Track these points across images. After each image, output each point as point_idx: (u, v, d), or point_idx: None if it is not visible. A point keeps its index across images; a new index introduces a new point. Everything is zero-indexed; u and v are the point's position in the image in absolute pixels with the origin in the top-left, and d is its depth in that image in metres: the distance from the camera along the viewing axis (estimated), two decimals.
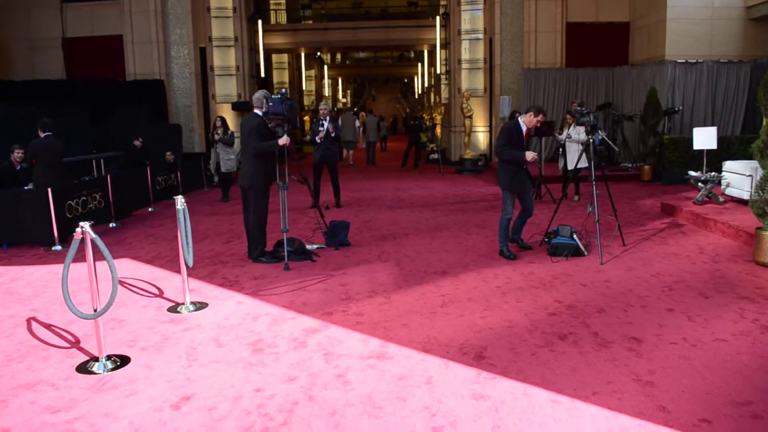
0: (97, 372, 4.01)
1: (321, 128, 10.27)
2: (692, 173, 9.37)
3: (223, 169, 11.22)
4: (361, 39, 24.56)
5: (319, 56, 35.53)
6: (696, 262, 6.47)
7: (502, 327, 4.57)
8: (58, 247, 7.95)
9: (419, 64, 37.46)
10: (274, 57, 27.25)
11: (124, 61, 17.61)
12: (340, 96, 47.53)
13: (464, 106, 16.26)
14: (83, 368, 4.08)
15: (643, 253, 6.85)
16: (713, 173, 9.20)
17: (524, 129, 6.62)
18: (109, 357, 4.18)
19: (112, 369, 4.05)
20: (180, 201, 5.22)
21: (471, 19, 17.97)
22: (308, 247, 7.21)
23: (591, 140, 6.97)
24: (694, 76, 14.12)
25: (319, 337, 4.48)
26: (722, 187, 9.27)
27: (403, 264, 6.60)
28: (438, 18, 21.23)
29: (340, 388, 3.63)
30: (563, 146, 10.42)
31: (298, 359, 4.07)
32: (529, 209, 6.85)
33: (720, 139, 10.60)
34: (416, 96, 42.12)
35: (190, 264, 5.23)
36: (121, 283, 6.17)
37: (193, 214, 10.32)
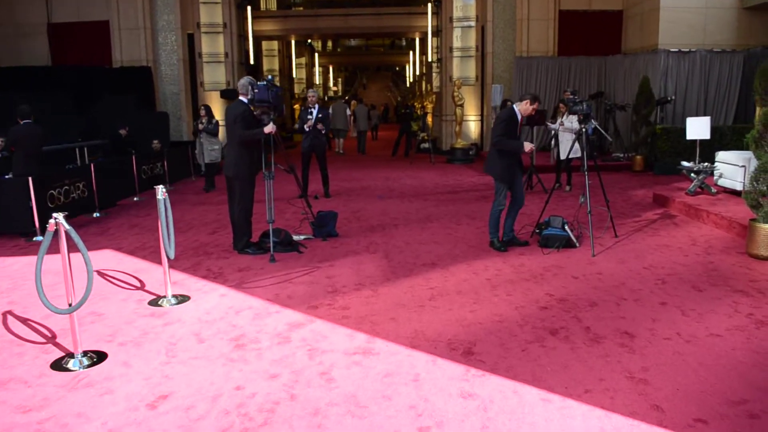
0: (73, 369, 3.87)
1: (310, 116, 10.09)
2: (685, 164, 9.28)
3: (206, 160, 10.93)
4: (352, 26, 24.26)
5: (310, 43, 35.19)
6: (689, 254, 6.38)
7: (491, 321, 4.46)
8: (40, 238, 7.76)
9: (411, 52, 37.17)
10: (264, 44, 26.90)
11: (111, 47, 17.30)
12: (331, 84, 47.18)
13: (455, 94, 16.09)
14: (58, 365, 3.93)
15: (635, 245, 6.75)
16: (706, 164, 9.11)
17: (519, 118, 6.48)
18: (85, 353, 4.03)
19: (88, 366, 3.90)
20: (161, 191, 5.05)
21: (463, 6, 17.76)
22: (295, 237, 7.06)
23: (584, 129, 6.84)
24: (687, 65, 14.01)
25: (303, 331, 4.35)
26: (715, 177, 9.18)
27: (391, 255, 6.46)
28: (430, 5, 20.99)
29: (323, 386, 3.50)
30: (555, 136, 10.30)
31: (281, 355, 3.94)
32: (519, 200, 6.72)
33: (712, 130, 10.50)
34: (408, 84, 41.86)
35: (172, 256, 5.07)
36: (102, 275, 6.02)
37: (180, 204, 10.21)
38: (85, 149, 10.42)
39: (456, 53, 17.84)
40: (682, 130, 12.33)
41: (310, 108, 10.13)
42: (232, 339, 4.24)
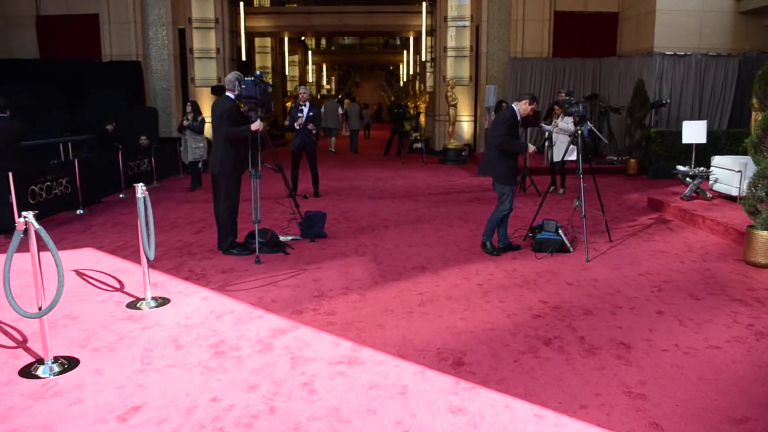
0: (42, 376, 3.67)
1: (300, 114, 9.90)
2: (680, 168, 9.14)
3: (190, 158, 10.65)
4: (346, 24, 24.05)
5: (303, 41, 34.97)
6: (685, 260, 6.23)
7: (483, 330, 4.28)
8: (22, 235, 7.52)
9: (405, 52, 37.01)
10: (257, 41, 26.65)
11: (100, 41, 17.03)
12: (324, 82, 46.96)
13: (449, 94, 15.91)
14: (27, 372, 3.73)
15: (630, 251, 6.60)
16: (701, 168, 8.98)
17: (518, 118, 6.31)
18: (56, 359, 3.83)
19: (59, 372, 3.71)
20: (140, 189, 4.85)
21: (458, 5, 17.59)
22: (282, 238, 6.87)
23: (579, 131, 6.69)
24: (683, 68, 13.90)
25: (286, 338, 4.16)
26: (710, 182, 9.05)
27: (380, 258, 6.28)
28: (424, 4, 20.80)
29: (305, 399, 3.32)
30: (549, 137, 10.15)
31: (262, 364, 3.76)
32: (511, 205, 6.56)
33: (707, 134, 10.37)
34: (401, 84, 41.69)
35: (151, 257, 4.88)
36: (81, 275, 5.81)
37: (166, 201, 10.00)
38: (69, 144, 10.14)
39: (450, 53, 17.67)
40: (677, 134, 12.22)
41: (301, 106, 9.94)
42: (212, 345, 4.05)
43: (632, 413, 3.16)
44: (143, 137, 12.42)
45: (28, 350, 4.06)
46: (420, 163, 15.75)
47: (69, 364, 3.82)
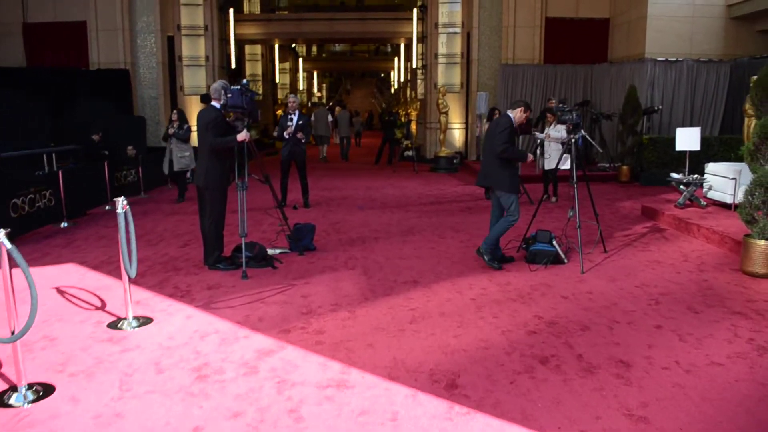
0: (15, 405, 3.48)
1: (290, 123, 9.75)
2: (674, 175, 9.04)
3: (175, 167, 10.43)
4: (337, 31, 23.95)
5: (294, 48, 34.84)
6: (681, 271, 6.11)
7: (477, 348, 4.13)
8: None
9: (396, 59, 36.95)
10: (247, 48, 26.51)
11: (88, 49, 16.83)
12: (315, 90, 46.81)
13: (440, 102, 15.81)
14: None
15: (625, 261, 6.48)
16: (696, 176, 8.87)
17: (514, 126, 6.18)
18: (30, 386, 3.64)
19: (33, 401, 3.52)
20: (121, 203, 4.68)
21: (449, 12, 17.53)
22: (270, 252, 6.70)
23: (573, 139, 6.56)
24: (674, 74, 13.85)
25: (273, 360, 3.99)
26: (704, 190, 8.95)
27: (371, 272, 6.12)
28: (415, 10, 20.73)
29: (291, 427, 3.16)
30: (541, 145, 10.04)
31: (247, 389, 3.59)
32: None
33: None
34: (392, 91, 41.62)
35: (132, 275, 4.70)
36: (62, 292, 5.62)
37: (153, 213, 9.81)
38: (53, 155, 9.93)
39: (441, 60, 17.59)
40: (669, 141, 12.14)
41: (290, 114, 9.79)
42: (195, 369, 3.88)
43: None
44: (130, 147, 12.21)
45: (1, 376, 3.87)
46: (411, 172, 15.63)
47: (44, 391, 3.64)
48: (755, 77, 9.20)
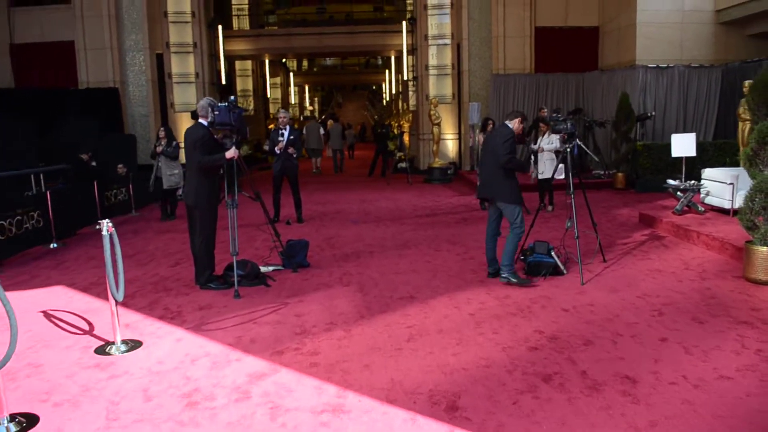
0: None
1: (281, 138, 9.63)
2: (671, 182, 8.95)
3: (164, 186, 10.23)
4: (326, 45, 23.94)
5: (285, 63, 34.84)
6: (683, 279, 5.99)
7: (477, 367, 3.99)
8: None
9: (387, 71, 37.00)
10: (238, 64, 26.50)
11: (77, 68, 16.77)
12: (307, 104, 46.81)
13: (432, 113, 15.74)
14: None
15: (625, 271, 6.36)
16: (692, 182, 8.79)
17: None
18: (13, 417, 3.49)
19: None
20: (105, 225, 4.53)
21: (438, 24, 17.50)
22: (263, 269, 6.56)
23: (568, 149, 6.46)
24: (666, 80, 13.83)
25: (266, 384, 3.84)
26: (702, 195, 8.87)
27: (366, 288, 5.98)
28: (404, 23, 20.73)
29: None
30: (535, 154, 9.94)
31: (239, 416, 3.43)
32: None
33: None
34: (384, 103, 41.65)
35: (120, 299, 4.55)
36: (49, 316, 5.46)
37: (144, 232, 9.66)
38: (41, 176, 9.77)
39: (432, 71, 17.54)
40: (664, 147, 12.10)
41: (281, 129, 9.68)
42: (184, 395, 3.72)
43: None
44: (121, 165, 12.06)
45: None
46: (405, 183, 15.53)
47: (27, 422, 3.48)
48: (749, 81, 9.19)
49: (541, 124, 9.78)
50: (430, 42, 17.55)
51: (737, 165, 10.51)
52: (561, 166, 7.00)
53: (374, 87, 48.82)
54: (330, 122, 23.06)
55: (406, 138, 20.23)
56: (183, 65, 17.74)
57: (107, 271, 4.44)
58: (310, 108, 47.12)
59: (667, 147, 11.42)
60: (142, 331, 4.94)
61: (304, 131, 20.62)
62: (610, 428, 3.18)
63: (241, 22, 26.42)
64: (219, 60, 19.78)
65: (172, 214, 10.66)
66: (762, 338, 4.37)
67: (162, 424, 3.38)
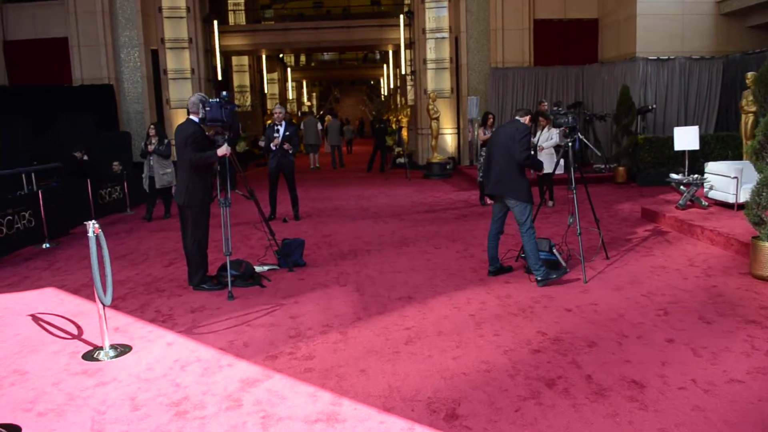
0: None
1: (276, 134, 9.47)
2: (674, 176, 8.79)
3: (157, 185, 9.99)
4: (323, 40, 23.75)
5: (282, 58, 34.61)
6: (688, 276, 5.85)
7: (478, 371, 3.84)
8: None
9: (385, 66, 36.77)
10: (234, 59, 26.28)
11: (71, 65, 16.55)
12: (305, 99, 46.57)
13: (430, 107, 15.57)
14: None
15: (629, 268, 6.21)
16: (696, 176, 8.63)
17: None
18: None
19: None
20: (92, 227, 4.38)
21: (436, 17, 17.32)
22: (258, 269, 6.41)
23: (569, 143, 6.29)
24: (666, 73, 13.66)
25: (258, 391, 3.69)
26: (705, 190, 8.71)
27: (363, 288, 5.83)
28: (402, 17, 20.53)
29: None
30: (535, 150, 9.78)
31: (229, 426, 3.29)
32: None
33: None
34: (382, 98, 41.44)
35: (106, 302, 4.40)
36: (37, 320, 5.31)
37: (138, 231, 9.50)
38: (33, 174, 9.58)
39: (430, 65, 17.36)
40: (665, 140, 11.95)
41: (277, 125, 9.52)
42: (173, 404, 3.57)
43: None
44: (116, 163, 11.89)
45: None
46: (404, 179, 15.37)
47: None
48: (752, 73, 9.04)
49: (541, 119, 9.61)
50: (427, 35, 17.36)
51: (740, 158, 10.37)
52: (561, 161, 6.85)
53: (372, 82, 48.61)
54: (328, 118, 22.90)
55: (404, 133, 20.06)
56: (178, 61, 17.56)
57: (94, 275, 4.29)
58: (308, 104, 46.89)
59: (669, 140, 11.27)
60: (132, 335, 4.79)
61: (302, 127, 20.47)
62: None
63: (237, 17, 26.21)
64: (215, 55, 19.60)
65: (167, 213, 10.48)
66: None
67: None
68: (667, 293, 5.33)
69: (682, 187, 8.63)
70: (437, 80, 17.35)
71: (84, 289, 6.26)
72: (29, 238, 8.42)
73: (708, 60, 13.70)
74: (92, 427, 3.35)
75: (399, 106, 25.31)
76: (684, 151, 9.54)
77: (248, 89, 27.06)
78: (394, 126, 20.39)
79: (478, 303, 5.23)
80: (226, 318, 5.07)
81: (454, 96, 17.28)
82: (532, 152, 6.06)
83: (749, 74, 9.42)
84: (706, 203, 8.52)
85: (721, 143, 12.03)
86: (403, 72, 22.60)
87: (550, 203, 9.94)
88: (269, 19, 31.99)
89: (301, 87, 45.30)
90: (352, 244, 7.91)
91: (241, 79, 26.94)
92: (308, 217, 10.09)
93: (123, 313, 5.36)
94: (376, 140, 18.60)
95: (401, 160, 17.44)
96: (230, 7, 26.16)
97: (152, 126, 10.16)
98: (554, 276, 5.70)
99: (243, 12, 26.74)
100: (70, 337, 4.87)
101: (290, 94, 37.80)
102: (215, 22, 19.58)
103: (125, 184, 11.60)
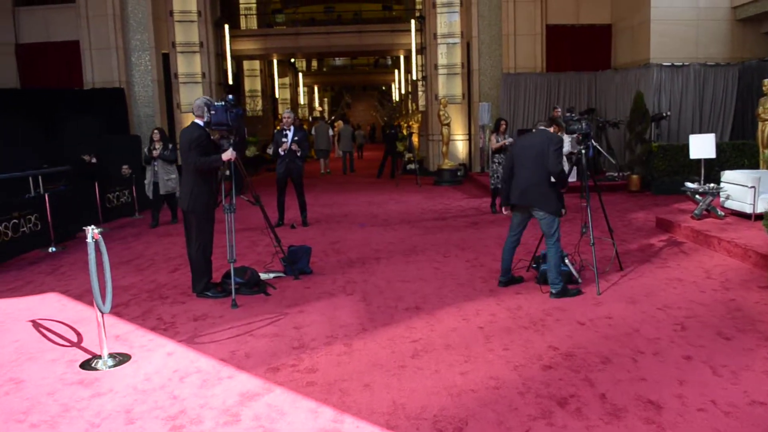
0: None
1: (285, 139, 9.37)
2: (689, 185, 8.59)
3: (162, 191, 9.86)
4: (335, 44, 23.69)
5: (293, 63, 34.62)
6: (705, 289, 5.66)
7: (486, 388, 3.69)
8: None
9: (396, 71, 36.71)
10: (246, 64, 26.29)
11: (82, 68, 16.56)
12: (316, 104, 46.59)
13: (441, 113, 15.42)
14: None
15: (644, 280, 6.03)
16: (712, 185, 8.43)
17: None
18: None
19: None
20: (91, 232, 4.27)
21: (447, 22, 17.20)
22: (263, 276, 6.29)
23: (583, 151, 6.13)
24: (681, 79, 13.45)
25: (257, 405, 3.56)
26: (721, 199, 8.51)
27: (370, 298, 5.69)
28: (413, 22, 20.43)
29: None
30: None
31: None
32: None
33: None
34: (393, 104, 41.39)
35: (105, 310, 4.29)
36: (37, 326, 5.22)
37: (145, 235, 9.42)
38: (40, 177, 9.52)
39: (441, 71, 17.23)
40: (680, 148, 11.75)
41: (285, 130, 9.42)
42: (169, 417, 3.45)
43: None
44: (125, 166, 11.83)
45: None
46: (414, 185, 15.23)
47: None
48: None
49: (554, 125, 9.41)
50: (439, 41, 17.24)
51: (756, 167, 10.16)
52: (574, 168, 6.68)
53: (384, 87, 48.58)
54: (338, 123, 22.82)
55: (415, 139, 19.93)
56: (189, 65, 17.56)
57: (92, 282, 4.18)
58: (320, 109, 46.90)
59: (684, 148, 11.07)
60: (132, 344, 4.68)
61: (313, 132, 20.42)
62: None
63: (249, 22, 26.22)
64: (226, 60, 19.57)
65: (174, 218, 10.38)
66: None
67: None
68: (683, 307, 5.16)
69: (697, 196, 8.43)
70: (448, 86, 17.22)
71: (87, 295, 6.15)
72: (35, 241, 8.36)
73: (723, 66, 13.48)
74: None
75: (410, 111, 25.20)
76: (699, 160, 9.34)
77: (259, 94, 27.04)
78: (404, 132, 20.27)
79: (487, 315, 5.08)
80: (229, 327, 4.95)
81: (465, 102, 17.14)
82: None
83: (766, 81, 9.23)
84: (723, 213, 8.32)
85: (737, 151, 11.81)
86: (414, 77, 22.48)
87: (562, 211, 9.74)
88: (281, 23, 32.02)
89: (313, 92, 45.33)
90: (361, 251, 7.78)
91: (252, 84, 26.94)
92: (317, 223, 9.97)
93: (125, 320, 5.25)
94: (386, 146, 18.50)
95: (412, 166, 17.31)
96: (242, 12, 26.17)
97: (156, 131, 9.99)
98: (571, 293, 5.52)
99: (255, 16, 26.74)
100: (69, 344, 4.77)
101: (302, 99, 37.81)
102: (226, 26, 19.57)
103: (133, 188, 11.54)
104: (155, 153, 9.67)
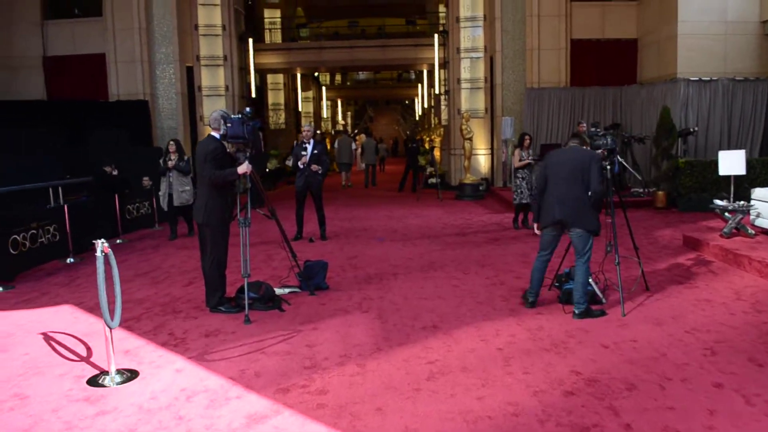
0: None
1: (304, 152, 9.30)
2: (718, 202, 8.33)
3: (176, 203, 9.80)
4: (358, 59, 23.72)
5: (317, 77, 34.77)
6: (735, 312, 5.42)
7: (504, 415, 3.51)
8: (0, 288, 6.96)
9: (419, 85, 36.67)
10: (269, 77, 26.44)
11: (107, 80, 16.79)
12: (339, 118, 46.73)
13: (464, 127, 15.28)
14: None
15: (671, 300, 5.80)
16: (741, 202, 8.16)
17: None
18: None
19: None
20: (100, 246, 4.19)
21: (471, 37, 17.12)
22: (278, 291, 6.18)
23: (608, 166, 5.93)
24: (709, 94, 13.17)
25: (264, 429, 3.42)
26: (752, 217, 8.23)
27: (386, 315, 5.54)
28: (437, 36, 20.38)
29: None
30: None
31: None
32: None
33: None
34: (416, 118, 41.34)
35: (113, 326, 4.20)
36: (49, 339, 5.16)
37: (163, 248, 9.39)
38: (60, 188, 9.54)
39: (464, 85, 17.13)
40: (707, 164, 11.47)
41: (305, 143, 9.35)
42: None
43: None
44: (146, 178, 11.85)
45: None
46: (435, 200, 15.08)
47: None
48: None
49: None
50: (462, 55, 17.16)
51: None
52: None
53: (407, 101, 48.62)
54: (360, 137, 22.80)
55: (437, 153, 19.81)
56: (213, 78, 17.70)
57: (100, 298, 4.10)
58: (342, 122, 47.03)
59: (711, 164, 10.80)
60: (141, 359, 4.58)
61: (336, 145, 20.43)
62: None
63: (273, 36, 26.40)
64: (249, 73, 19.68)
65: (191, 231, 10.33)
66: None
67: None
68: (713, 330, 4.93)
69: (726, 213, 8.16)
70: (471, 100, 17.10)
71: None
72: (53, 252, 8.37)
73: (753, 81, 13.18)
74: None
75: (432, 125, 25.11)
76: (727, 176, 9.06)
77: (282, 107, 27.16)
78: (426, 146, 20.16)
79: (507, 335, 4.90)
80: (241, 344, 4.83)
81: (488, 116, 17.00)
82: None
83: None
84: (753, 231, 8.03)
85: (767, 168, 11.48)
86: (437, 92, 22.41)
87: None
88: (305, 37, 32.20)
89: (336, 106, 45.48)
90: (378, 267, 7.64)
91: (275, 97, 27.08)
92: (335, 237, 9.86)
93: (135, 334, 5.17)
94: (408, 160, 18.42)
95: (433, 180, 17.18)
96: (266, 26, 26.36)
97: (172, 142, 9.96)
98: (595, 314, 5.32)
99: (279, 31, 26.92)
100: (78, 359, 4.69)
101: (325, 113, 37.92)
102: (250, 40, 19.68)
103: (153, 199, 11.55)
104: (170, 164, 9.65)
